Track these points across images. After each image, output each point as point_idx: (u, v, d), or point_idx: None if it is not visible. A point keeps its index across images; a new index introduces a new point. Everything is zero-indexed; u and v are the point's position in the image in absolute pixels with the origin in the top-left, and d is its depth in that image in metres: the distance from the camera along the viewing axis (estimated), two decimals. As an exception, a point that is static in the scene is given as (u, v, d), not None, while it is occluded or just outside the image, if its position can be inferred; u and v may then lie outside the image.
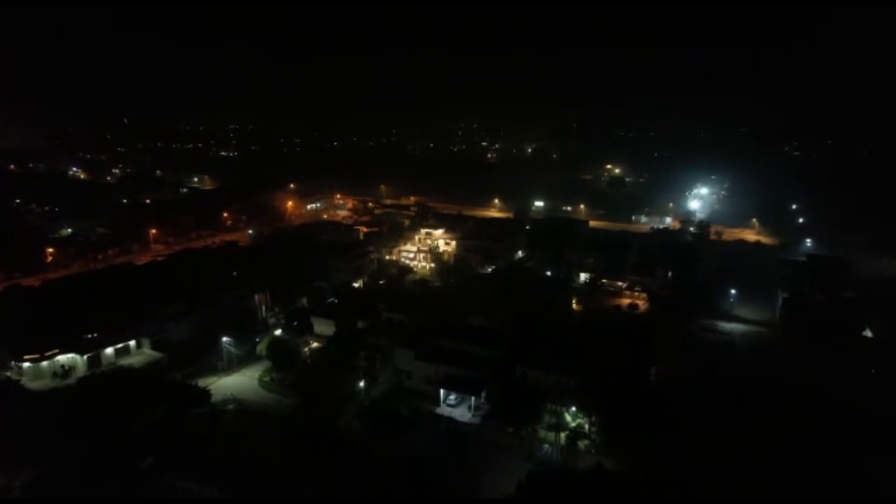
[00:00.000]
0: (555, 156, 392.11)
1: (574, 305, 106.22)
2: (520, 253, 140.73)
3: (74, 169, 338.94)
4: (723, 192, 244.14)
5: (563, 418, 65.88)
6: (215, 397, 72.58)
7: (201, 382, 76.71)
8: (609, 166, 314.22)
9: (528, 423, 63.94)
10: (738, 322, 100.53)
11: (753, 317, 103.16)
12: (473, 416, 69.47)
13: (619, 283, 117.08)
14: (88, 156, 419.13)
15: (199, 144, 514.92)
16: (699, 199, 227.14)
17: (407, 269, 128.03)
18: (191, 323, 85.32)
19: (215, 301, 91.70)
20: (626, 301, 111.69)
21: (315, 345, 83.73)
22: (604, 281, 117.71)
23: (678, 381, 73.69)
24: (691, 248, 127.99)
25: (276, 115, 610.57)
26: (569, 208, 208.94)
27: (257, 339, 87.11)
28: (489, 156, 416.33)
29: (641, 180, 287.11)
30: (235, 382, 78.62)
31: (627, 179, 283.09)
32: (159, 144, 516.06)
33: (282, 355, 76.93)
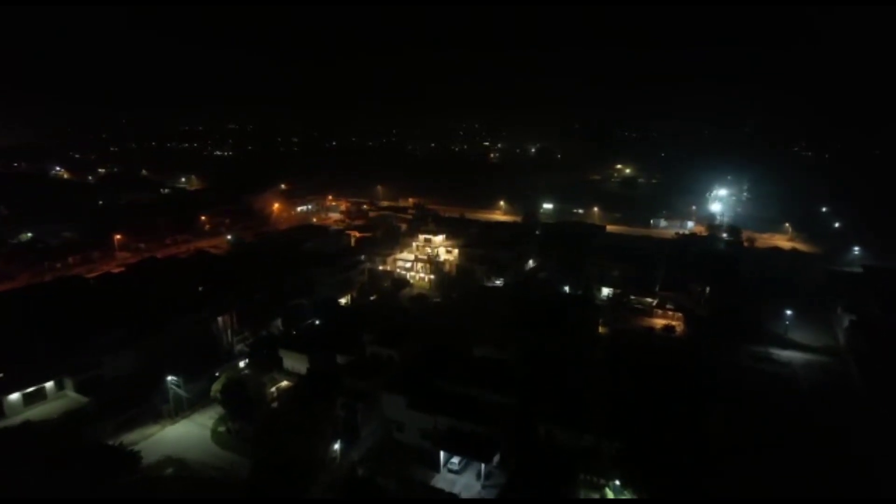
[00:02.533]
0: (559, 156, 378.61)
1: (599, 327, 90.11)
2: (531, 262, 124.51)
3: (58, 168, 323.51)
4: (744, 194, 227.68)
5: (604, 494, 49.77)
6: (152, 456, 56.74)
7: (138, 434, 61.09)
8: (619, 166, 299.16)
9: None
10: (794, 349, 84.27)
11: (810, 341, 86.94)
12: (483, 486, 53.32)
13: (649, 300, 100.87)
14: (78, 155, 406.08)
15: (195, 144, 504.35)
16: (719, 202, 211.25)
17: (402, 282, 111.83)
18: (133, 355, 69.08)
19: (168, 326, 75.62)
20: (658, 322, 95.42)
21: (284, 384, 67.60)
22: (631, 297, 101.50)
23: (744, 434, 57.64)
24: (730, 259, 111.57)
25: (276, 115, 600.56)
26: (580, 211, 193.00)
27: (217, 374, 71.08)
28: (491, 156, 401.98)
29: (654, 181, 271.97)
30: (183, 433, 62.49)
31: (640, 180, 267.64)
32: (153, 144, 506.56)
33: (238, 400, 60.69)
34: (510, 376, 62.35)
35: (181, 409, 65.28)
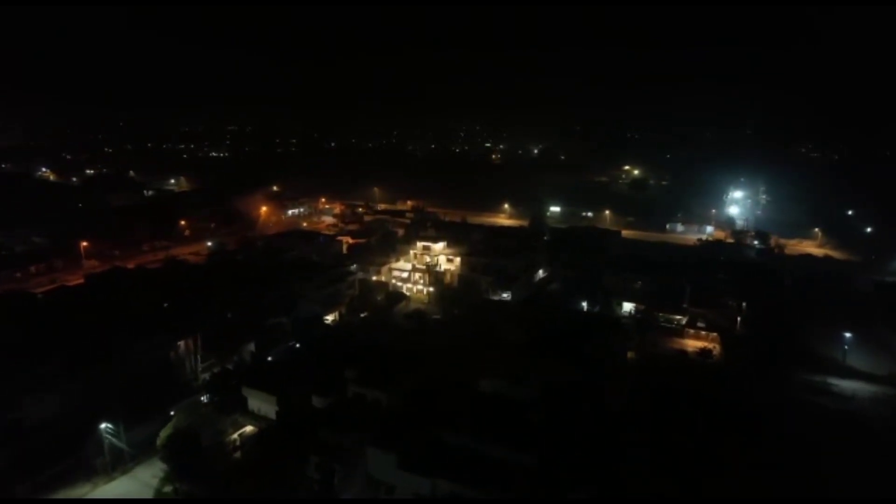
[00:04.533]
0: (562, 157, 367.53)
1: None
2: (540, 272, 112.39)
3: (44, 169, 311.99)
4: (762, 197, 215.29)
5: None
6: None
7: (62, 498, 48.83)
8: (627, 167, 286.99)
9: None
10: (856, 378, 71.90)
11: (872, 369, 74.47)
12: (496, 578, 41.16)
13: (678, 318, 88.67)
14: (69, 156, 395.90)
15: (192, 145, 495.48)
16: (736, 205, 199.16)
17: (398, 296, 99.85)
18: (65, 394, 56.81)
19: (118, 354, 63.44)
20: (690, 343, 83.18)
21: (249, 429, 55.39)
22: (658, 314, 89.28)
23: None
24: (768, 269, 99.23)
25: (276, 116, 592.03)
26: (589, 214, 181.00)
27: (172, 413, 58.98)
28: (493, 157, 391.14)
29: (664, 183, 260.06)
30: (118, 495, 50.29)
31: (650, 182, 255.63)
32: (149, 145, 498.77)
33: (188, 455, 48.51)
34: (526, 423, 50.18)
35: (121, 463, 53.08)
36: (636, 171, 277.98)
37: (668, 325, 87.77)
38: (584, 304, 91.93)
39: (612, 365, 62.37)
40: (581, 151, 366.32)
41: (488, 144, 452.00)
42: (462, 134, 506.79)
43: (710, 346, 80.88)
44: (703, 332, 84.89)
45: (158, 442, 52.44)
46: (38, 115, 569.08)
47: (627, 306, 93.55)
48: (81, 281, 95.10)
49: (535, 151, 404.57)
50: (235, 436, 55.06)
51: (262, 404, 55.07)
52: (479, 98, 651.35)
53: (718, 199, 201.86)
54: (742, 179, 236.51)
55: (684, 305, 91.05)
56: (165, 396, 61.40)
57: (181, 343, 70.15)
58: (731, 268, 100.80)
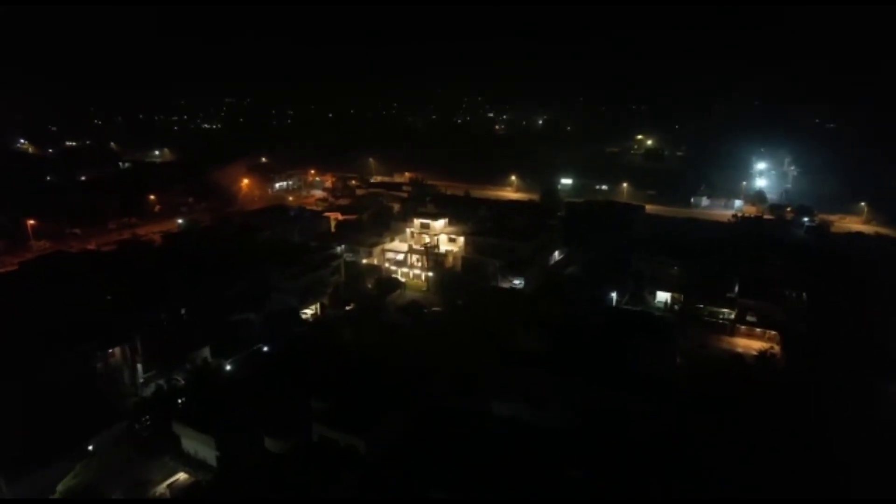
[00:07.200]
0: (568, 128, 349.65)
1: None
2: (556, 254, 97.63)
3: (22, 141, 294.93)
4: (791, 168, 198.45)
5: None
6: None
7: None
8: (639, 137, 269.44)
9: None
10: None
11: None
12: None
13: (725, 311, 74.15)
14: (54, 128, 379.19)
15: (185, 116, 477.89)
16: (765, 177, 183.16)
17: (392, 283, 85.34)
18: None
19: (19, 372, 49.22)
20: (743, 343, 68.86)
21: (183, 477, 41.35)
22: (699, 306, 74.79)
23: None
24: (828, 252, 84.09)
25: (274, 88, 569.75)
26: (604, 187, 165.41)
27: (90, 448, 45.10)
28: (497, 127, 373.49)
29: (680, 153, 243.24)
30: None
31: (665, 153, 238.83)
32: (140, 117, 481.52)
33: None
34: (559, 476, 36.10)
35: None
36: (649, 141, 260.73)
37: (714, 320, 73.41)
38: (612, 294, 77.48)
39: (664, 380, 47.94)
40: (587, 121, 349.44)
41: (491, 115, 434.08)
42: (463, 105, 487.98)
43: (769, 347, 66.56)
44: (759, 330, 70.55)
45: (59, 488, 38.52)
46: (34, 97, 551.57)
47: (662, 296, 79.15)
48: (15, 268, 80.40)
49: (540, 122, 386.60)
50: (164, 487, 41.07)
51: (198, 446, 40.85)
52: (480, 69, 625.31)
53: (742, 171, 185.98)
54: (762, 150, 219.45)
55: (730, 295, 76.73)
56: (86, 424, 47.36)
57: (115, 350, 56.03)
58: (780, 249, 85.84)
